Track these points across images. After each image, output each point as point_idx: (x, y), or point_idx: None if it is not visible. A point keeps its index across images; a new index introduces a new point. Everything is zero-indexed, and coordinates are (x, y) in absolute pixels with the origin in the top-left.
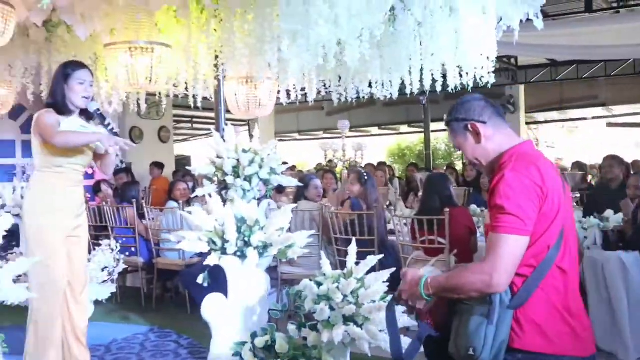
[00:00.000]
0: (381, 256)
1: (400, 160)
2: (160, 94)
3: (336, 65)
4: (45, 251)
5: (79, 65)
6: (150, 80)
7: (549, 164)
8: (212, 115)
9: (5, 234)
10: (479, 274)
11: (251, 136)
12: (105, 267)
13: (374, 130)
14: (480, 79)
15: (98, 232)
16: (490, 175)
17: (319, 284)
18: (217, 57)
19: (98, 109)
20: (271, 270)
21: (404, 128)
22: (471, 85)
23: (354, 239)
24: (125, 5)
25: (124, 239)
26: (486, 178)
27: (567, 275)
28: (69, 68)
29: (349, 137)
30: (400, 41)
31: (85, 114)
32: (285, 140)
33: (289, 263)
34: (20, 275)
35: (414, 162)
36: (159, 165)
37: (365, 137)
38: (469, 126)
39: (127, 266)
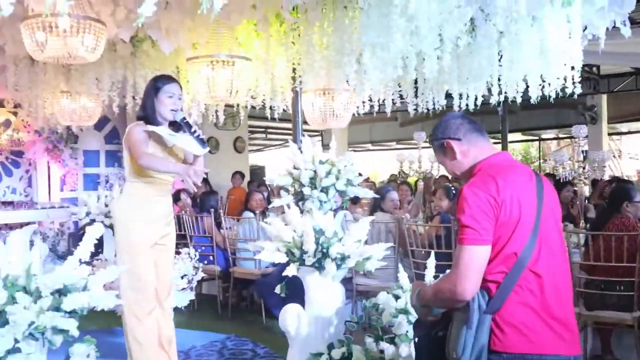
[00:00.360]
0: None
1: None
2: (237, 105)
3: (415, 76)
4: (134, 259)
5: (169, 79)
6: (230, 93)
7: (518, 176)
8: (286, 125)
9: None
10: (447, 283)
11: (325, 146)
12: (185, 275)
13: None
14: (562, 90)
15: (177, 240)
16: None
17: (397, 297)
18: (294, 69)
19: (184, 118)
20: (346, 282)
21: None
22: (553, 95)
23: (432, 251)
24: (207, 20)
25: (203, 248)
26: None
27: (542, 279)
28: (159, 82)
29: (423, 147)
30: (479, 51)
31: (174, 125)
32: (358, 151)
33: (364, 275)
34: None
35: None
36: (241, 175)
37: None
38: (445, 144)
39: (205, 274)
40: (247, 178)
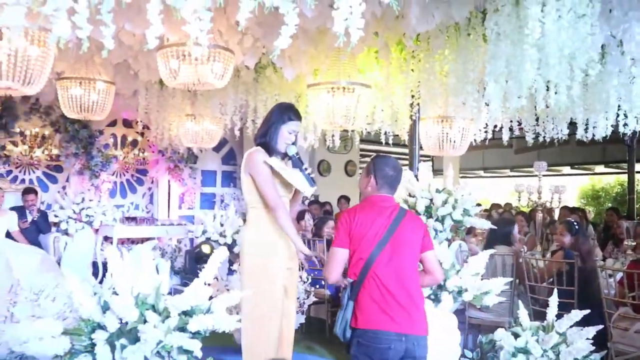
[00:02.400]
0: (587, 311)
1: (593, 202)
2: (352, 131)
3: (542, 105)
4: (266, 286)
5: (297, 115)
6: (348, 119)
7: (375, 211)
8: (397, 150)
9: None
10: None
11: (435, 172)
12: (297, 298)
13: (565, 169)
14: None
15: None
16: None
17: (516, 335)
18: (412, 96)
19: (297, 153)
20: (457, 312)
21: (599, 168)
22: None
23: (555, 288)
24: (330, 48)
25: (316, 272)
26: None
27: (380, 280)
28: (289, 115)
29: (536, 175)
30: (608, 79)
31: (284, 158)
32: (469, 177)
33: (478, 308)
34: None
35: (613, 206)
36: (347, 199)
37: (556, 177)
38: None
39: (317, 298)
40: (357, 202)
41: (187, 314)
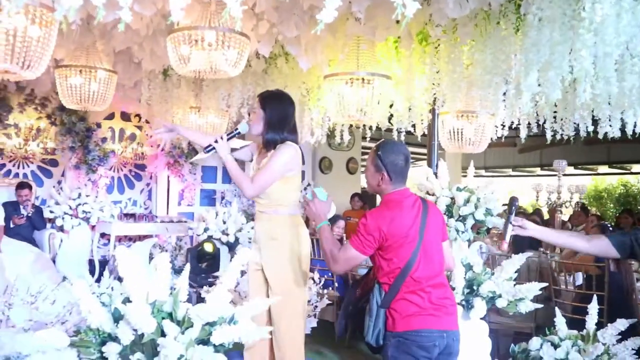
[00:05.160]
0: (634, 320)
1: (595, 203)
2: (351, 125)
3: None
4: (302, 290)
5: None
6: (363, 112)
7: (404, 213)
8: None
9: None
10: (332, 259)
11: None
12: (308, 301)
13: (569, 169)
14: None
15: None
16: None
17: (555, 345)
18: (433, 89)
19: (236, 129)
20: None
21: (603, 168)
22: None
23: (595, 295)
24: (349, 36)
25: (329, 272)
26: None
27: (419, 283)
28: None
29: (539, 175)
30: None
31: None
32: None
33: (496, 312)
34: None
35: (627, 207)
36: (360, 197)
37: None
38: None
39: (330, 301)
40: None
41: (209, 324)
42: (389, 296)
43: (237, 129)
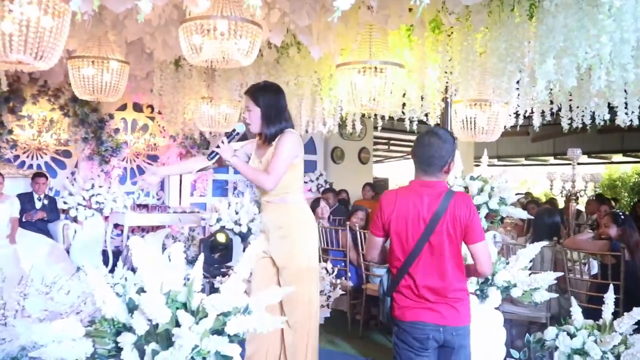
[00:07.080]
0: None
1: (609, 192)
2: (363, 115)
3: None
4: (313, 285)
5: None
6: (376, 100)
7: (411, 202)
8: (410, 137)
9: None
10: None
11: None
12: (321, 291)
13: (582, 158)
14: None
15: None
16: None
17: (571, 335)
18: (446, 77)
19: (234, 130)
20: None
21: (617, 157)
22: None
23: (611, 284)
24: (361, 25)
25: (342, 263)
26: None
27: (416, 280)
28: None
29: (552, 164)
30: None
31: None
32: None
33: (510, 301)
34: None
35: None
36: (372, 187)
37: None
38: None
39: (344, 292)
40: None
41: (224, 314)
42: (392, 286)
43: (234, 130)
